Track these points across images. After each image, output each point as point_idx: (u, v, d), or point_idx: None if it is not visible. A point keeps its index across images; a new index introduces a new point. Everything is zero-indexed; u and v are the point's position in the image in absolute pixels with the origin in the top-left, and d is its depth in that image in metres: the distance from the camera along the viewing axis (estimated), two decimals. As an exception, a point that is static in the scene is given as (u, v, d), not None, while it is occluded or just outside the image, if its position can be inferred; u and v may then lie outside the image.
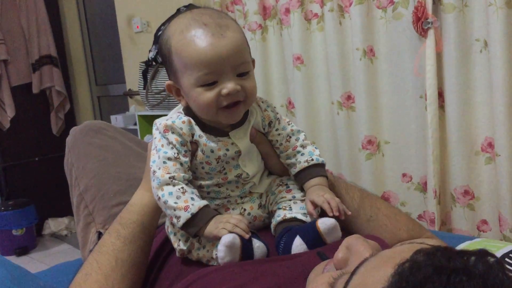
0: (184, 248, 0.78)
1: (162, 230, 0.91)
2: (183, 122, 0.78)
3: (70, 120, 3.63)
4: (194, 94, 0.75)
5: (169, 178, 0.75)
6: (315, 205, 0.78)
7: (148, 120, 2.67)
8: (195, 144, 0.79)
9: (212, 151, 0.78)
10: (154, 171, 0.76)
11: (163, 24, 2.49)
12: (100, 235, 1.19)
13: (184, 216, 0.73)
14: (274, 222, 0.82)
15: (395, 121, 1.91)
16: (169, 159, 0.76)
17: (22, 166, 3.42)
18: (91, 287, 0.75)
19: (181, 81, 0.77)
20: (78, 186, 1.28)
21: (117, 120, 2.93)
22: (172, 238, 0.81)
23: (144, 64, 2.58)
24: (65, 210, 3.02)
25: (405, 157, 1.92)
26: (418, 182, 1.91)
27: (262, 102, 0.86)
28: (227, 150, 0.79)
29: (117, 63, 3.24)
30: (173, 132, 0.78)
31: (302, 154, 0.85)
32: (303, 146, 0.86)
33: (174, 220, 0.75)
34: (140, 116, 2.66)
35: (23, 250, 3.16)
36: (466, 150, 1.73)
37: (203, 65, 0.72)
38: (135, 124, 2.74)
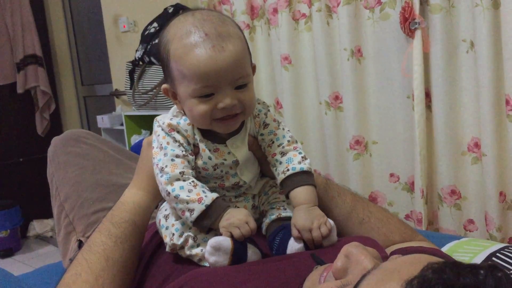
0: (177, 243, 0.76)
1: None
2: (189, 124, 0.78)
3: (55, 120, 3.59)
4: (189, 104, 0.74)
5: (179, 173, 0.74)
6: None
7: (135, 120, 2.65)
8: (196, 147, 0.78)
9: (209, 158, 0.78)
10: (163, 168, 0.75)
11: (150, 23, 2.47)
12: (80, 243, 1.18)
13: (199, 208, 0.72)
14: (267, 220, 0.81)
15: (382, 121, 1.91)
16: (177, 156, 0.75)
17: (6, 167, 3.37)
18: (81, 287, 0.73)
19: (177, 89, 0.76)
20: (58, 196, 1.28)
21: (103, 120, 2.90)
22: (164, 232, 0.79)
23: (130, 64, 2.55)
24: (50, 211, 2.96)
25: (392, 157, 1.92)
26: (405, 182, 1.92)
27: (258, 103, 0.84)
28: (224, 159, 0.78)
29: (103, 63, 3.21)
30: (178, 132, 0.77)
31: (280, 163, 0.80)
32: (282, 153, 0.81)
33: (187, 214, 0.73)
34: (126, 116, 2.63)
35: (7, 252, 3.11)
36: (453, 150, 1.74)
37: (201, 78, 0.71)
38: (122, 124, 2.71)
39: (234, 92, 0.73)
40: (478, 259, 1.05)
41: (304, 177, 0.79)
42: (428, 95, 1.76)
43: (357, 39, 1.88)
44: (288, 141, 0.82)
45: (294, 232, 0.75)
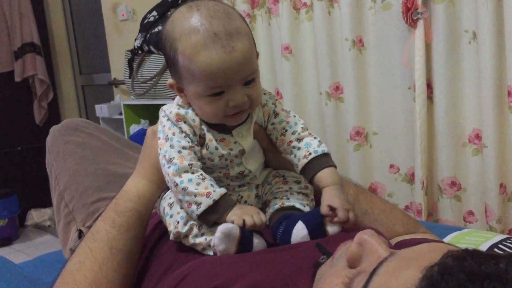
0: (182, 231, 0.75)
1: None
2: (196, 114, 0.77)
3: (54, 109, 3.57)
4: (199, 103, 0.75)
5: (188, 165, 0.74)
6: (331, 208, 0.75)
7: (134, 110, 2.64)
8: (202, 139, 0.78)
9: (216, 148, 0.77)
10: (171, 159, 0.74)
11: (150, 12, 2.45)
12: (80, 233, 1.17)
13: (206, 202, 0.72)
14: (270, 210, 0.80)
15: (383, 112, 1.91)
16: (184, 148, 0.75)
17: (4, 156, 3.36)
18: (85, 275, 0.72)
19: (185, 87, 0.75)
20: (58, 185, 1.27)
21: (102, 109, 2.88)
22: (168, 220, 0.78)
23: (130, 53, 2.53)
24: (48, 200, 2.96)
25: (393, 148, 1.92)
26: (405, 173, 1.91)
27: (265, 93, 0.84)
28: (231, 149, 0.78)
29: (102, 52, 3.19)
30: (185, 122, 0.77)
31: (299, 149, 0.80)
32: (298, 140, 0.81)
33: (193, 207, 0.73)
34: (125, 105, 2.62)
35: (5, 241, 3.12)
36: (454, 142, 1.73)
37: (211, 79, 0.71)
38: (121, 113, 2.70)
39: (244, 88, 0.73)
40: (479, 250, 1.05)
41: (326, 159, 0.80)
42: (429, 86, 1.75)
43: (358, 29, 1.86)
44: (302, 127, 0.83)
45: (326, 210, 0.74)
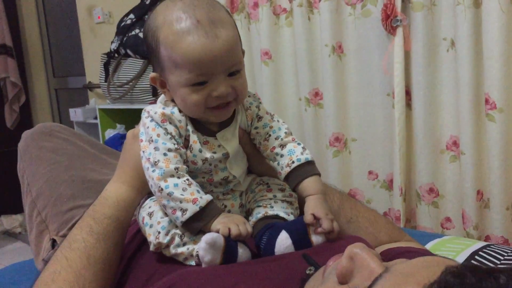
0: (163, 242, 0.72)
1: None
2: (182, 115, 0.75)
3: (25, 113, 3.49)
4: (182, 93, 0.72)
5: (174, 169, 0.71)
6: (315, 217, 0.74)
7: (110, 114, 2.58)
8: (187, 141, 0.75)
9: (200, 151, 0.75)
10: (156, 162, 0.71)
11: (127, 15, 2.41)
12: (54, 242, 1.12)
13: (192, 209, 0.69)
14: (254, 219, 0.78)
15: (362, 118, 1.91)
16: (169, 150, 0.72)
17: (-27, 160, 3.25)
18: (60, 287, 0.69)
19: (168, 77, 0.73)
20: (30, 192, 1.21)
21: (76, 113, 2.82)
22: (148, 230, 0.75)
23: (105, 56, 2.48)
24: (19, 206, 2.88)
25: (371, 155, 1.92)
26: (384, 180, 1.92)
27: (249, 96, 0.82)
28: (214, 152, 0.76)
29: (77, 55, 3.12)
30: (170, 123, 0.74)
31: (282, 156, 0.79)
32: (282, 146, 0.79)
33: (178, 213, 0.70)
34: (101, 109, 2.56)
35: (-27, 248, 3.01)
36: (432, 148, 1.74)
37: (194, 67, 0.69)
38: (96, 118, 2.64)
39: (228, 79, 0.71)
40: (461, 258, 1.05)
41: (309, 167, 0.78)
42: (408, 93, 1.76)
43: (338, 35, 1.86)
44: (285, 132, 0.81)
45: (310, 218, 0.72)
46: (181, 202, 0.69)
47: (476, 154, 1.60)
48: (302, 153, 0.78)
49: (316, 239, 0.73)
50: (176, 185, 0.70)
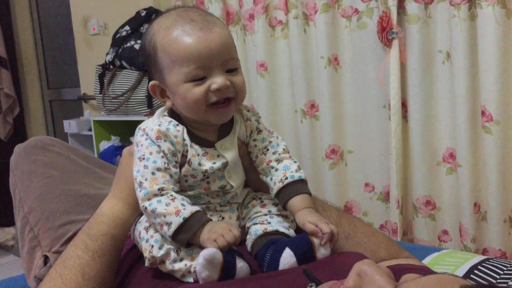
0: (158, 256, 0.71)
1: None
2: (178, 130, 0.75)
3: (19, 124, 3.46)
4: (182, 91, 0.72)
5: (158, 189, 0.71)
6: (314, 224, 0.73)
7: (104, 126, 2.57)
8: (184, 157, 0.75)
9: (199, 164, 0.74)
10: (141, 182, 0.71)
11: (122, 26, 2.40)
12: (46, 259, 1.10)
13: (176, 221, 0.68)
14: (253, 236, 0.76)
15: (358, 130, 1.90)
16: (158, 169, 0.72)
17: (-34, 173, 3.22)
18: None
19: (167, 79, 0.73)
20: (22, 207, 1.19)
21: (70, 125, 2.80)
22: (144, 245, 0.74)
23: (101, 67, 2.47)
24: (11, 219, 2.85)
25: (368, 167, 1.91)
26: (380, 192, 1.91)
27: (248, 110, 0.82)
28: (214, 163, 0.76)
29: (71, 66, 3.11)
30: (165, 140, 0.74)
31: (277, 170, 0.78)
32: (278, 161, 0.79)
33: (165, 228, 0.69)
34: (95, 121, 2.54)
35: (-36, 262, 2.96)
36: (428, 161, 1.74)
37: (192, 59, 0.70)
38: (90, 129, 2.62)
39: (226, 74, 0.72)
40: (459, 272, 1.04)
41: (301, 185, 0.78)
42: (404, 105, 1.76)
43: (334, 47, 1.86)
44: (283, 149, 0.81)
45: (311, 227, 0.72)
46: (164, 216, 0.69)
47: (473, 166, 1.60)
48: (296, 171, 0.79)
49: (321, 254, 0.72)
50: (159, 201, 0.70)
